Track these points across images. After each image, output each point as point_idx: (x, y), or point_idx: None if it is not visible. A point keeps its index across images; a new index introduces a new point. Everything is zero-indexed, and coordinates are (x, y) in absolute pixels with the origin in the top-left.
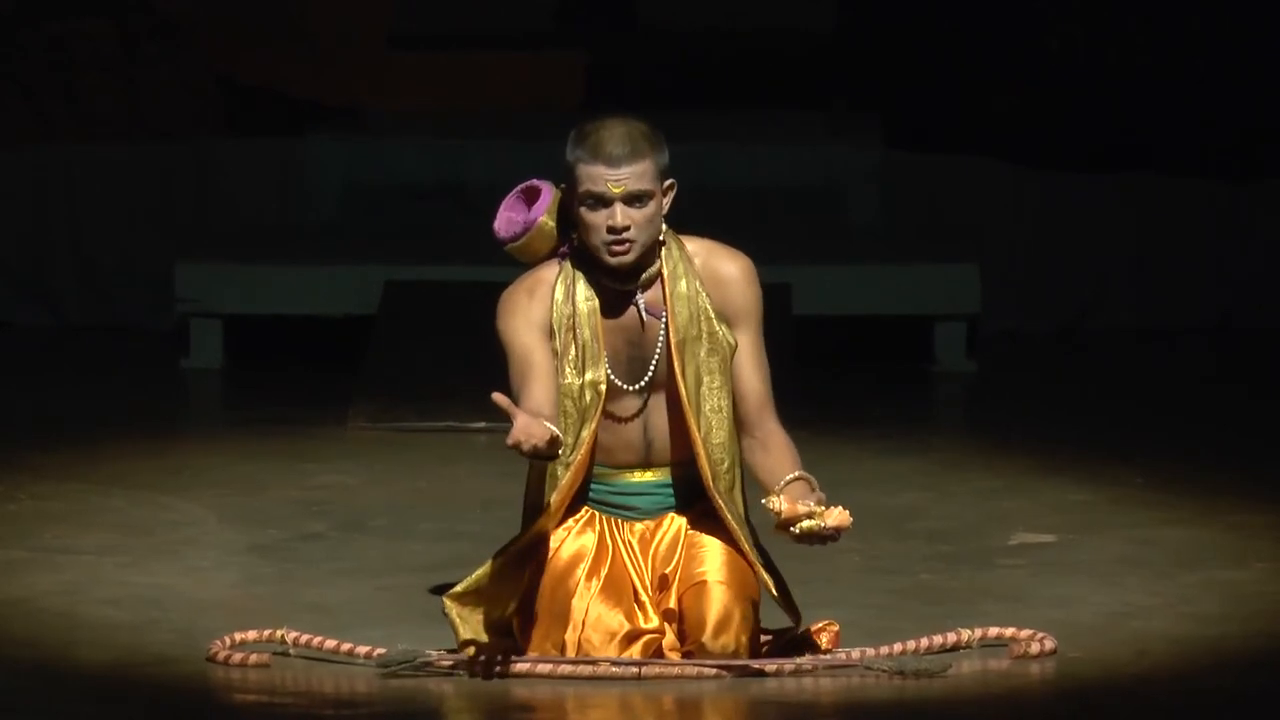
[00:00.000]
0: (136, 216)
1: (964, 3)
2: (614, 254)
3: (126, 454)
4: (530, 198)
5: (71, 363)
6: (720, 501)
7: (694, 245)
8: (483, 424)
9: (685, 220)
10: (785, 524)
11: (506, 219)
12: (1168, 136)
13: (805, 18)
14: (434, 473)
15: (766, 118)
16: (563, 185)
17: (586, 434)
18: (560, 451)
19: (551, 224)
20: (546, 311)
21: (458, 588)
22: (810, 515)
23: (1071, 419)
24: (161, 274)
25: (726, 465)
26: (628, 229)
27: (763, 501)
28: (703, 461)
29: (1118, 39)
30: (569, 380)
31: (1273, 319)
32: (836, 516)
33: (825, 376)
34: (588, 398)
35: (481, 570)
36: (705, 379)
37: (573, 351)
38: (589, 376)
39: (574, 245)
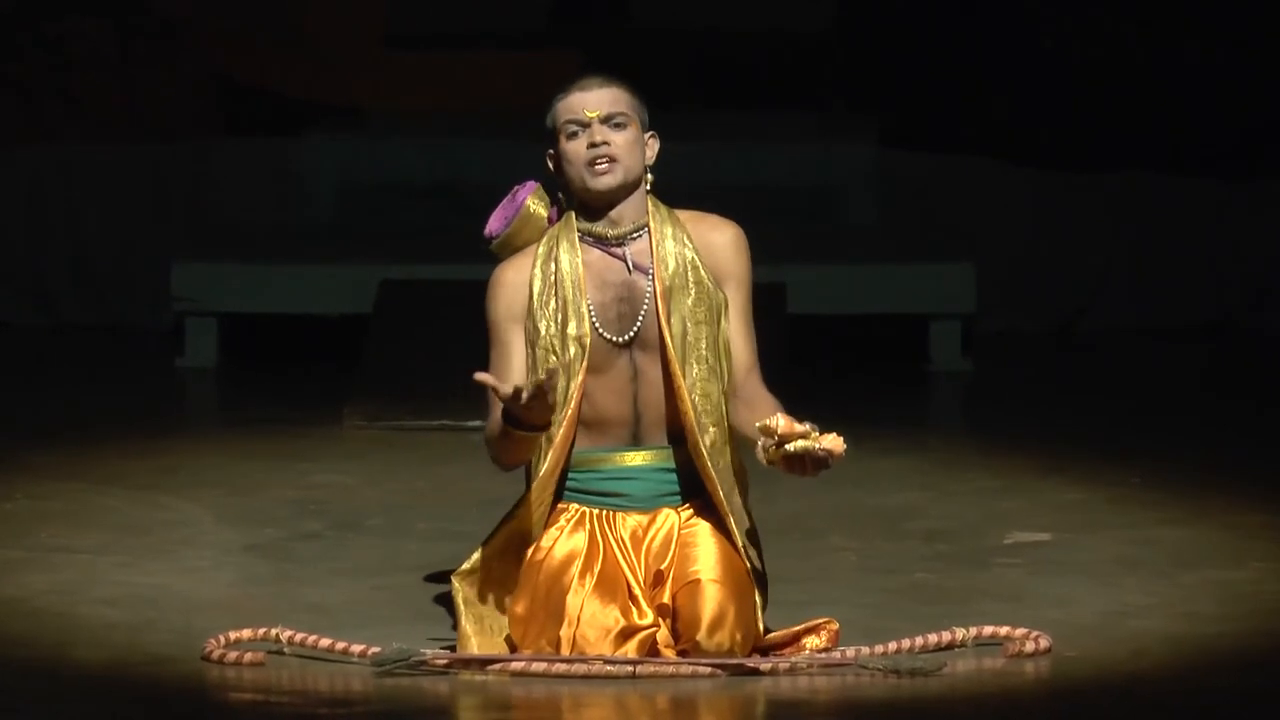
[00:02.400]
0: (133, 216)
1: (960, 3)
2: (597, 174)
3: (122, 453)
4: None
5: (67, 362)
6: (704, 450)
7: (684, 214)
8: (479, 423)
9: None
10: (781, 440)
11: (495, 222)
12: (1164, 136)
13: (802, 18)
14: (430, 472)
15: (763, 118)
16: (550, 151)
17: (574, 388)
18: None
19: (534, 208)
20: (527, 286)
21: (465, 565)
22: (805, 435)
23: (1068, 419)
24: (158, 273)
25: (715, 418)
26: (607, 144)
27: (757, 425)
28: (686, 407)
29: (1114, 38)
30: (549, 332)
31: (1269, 319)
32: (831, 439)
33: (821, 376)
34: (571, 351)
35: (487, 541)
36: (691, 328)
37: (553, 305)
38: (571, 330)
39: (562, 209)
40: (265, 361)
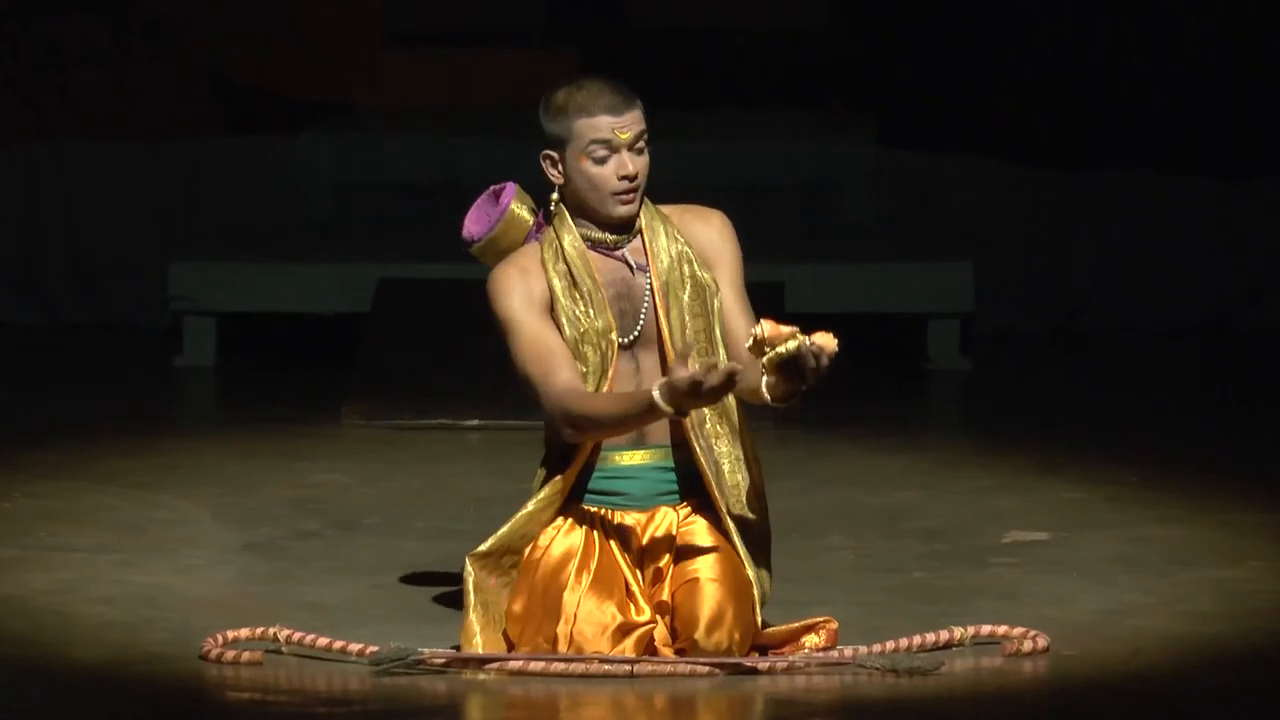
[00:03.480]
0: (130, 214)
1: (956, 1)
2: (625, 203)
3: (120, 452)
4: (496, 201)
5: (65, 360)
6: (701, 445)
7: (669, 209)
8: (476, 421)
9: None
10: (770, 344)
11: (473, 226)
12: (1161, 134)
13: (799, 16)
14: (428, 471)
15: (760, 116)
16: (548, 153)
17: (605, 386)
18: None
19: (520, 211)
20: (543, 282)
21: (482, 547)
22: (794, 336)
23: (1066, 417)
24: (155, 272)
25: (718, 411)
26: (636, 176)
27: (746, 345)
28: None
29: (1109, 37)
30: (587, 326)
31: (1266, 317)
32: (821, 336)
33: (818, 374)
34: (603, 346)
35: (505, 528)
36: (690, 322)
37: (581, 303)
38: (599, 324)
39: (550, 213)
40: (263, 360)
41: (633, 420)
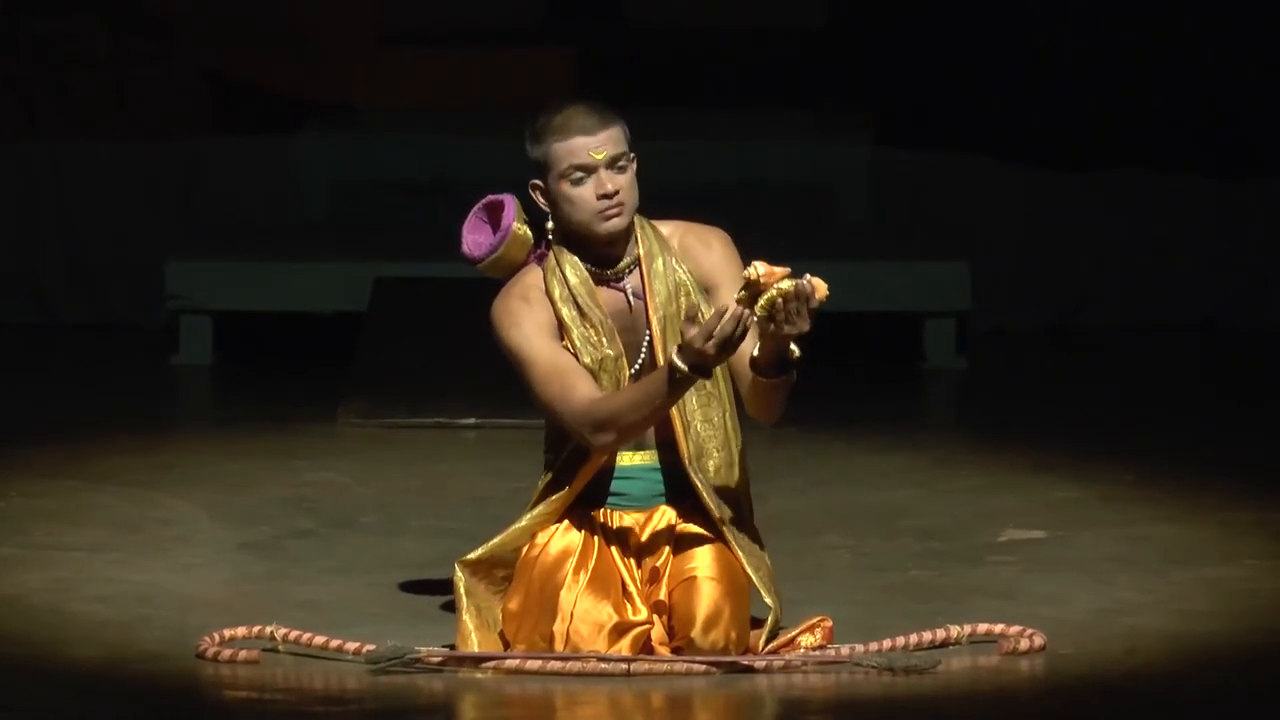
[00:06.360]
0: (126, 213)
1: (954, 1)
2: (608, 219)
3: (116, 451)
4: (491, 213)
5: (61, 360)
6: (698, 480)
7: (668, 228)
8: (472, 420)
9: (674, 218)
10: (765, 285)
11: (473, 240)
12: (1157, 134)
13: (795, 15)
14: (424, 469)
15: (756, 115)
16: (535, 183)
17: None
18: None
19: (524, 228)
20: (548, 310)
21: (472, 554)
22: (789, 276)
23: (1062, 416)
24: (151, 271)
25: (719, 442)
26: (617, 193)
27: (737, 294)
28: (680, 432)
29: (1106, 36)
30: (602, 355)
31: (1262, 317)
32: (815, 279)
33: (815, 374)
34: (617, 374)
35: (497, 540)
36: None
37: (593, 332)
38: (610, 352)
39: (550, 244)
40: (260, 359)
41: (658, 400)
